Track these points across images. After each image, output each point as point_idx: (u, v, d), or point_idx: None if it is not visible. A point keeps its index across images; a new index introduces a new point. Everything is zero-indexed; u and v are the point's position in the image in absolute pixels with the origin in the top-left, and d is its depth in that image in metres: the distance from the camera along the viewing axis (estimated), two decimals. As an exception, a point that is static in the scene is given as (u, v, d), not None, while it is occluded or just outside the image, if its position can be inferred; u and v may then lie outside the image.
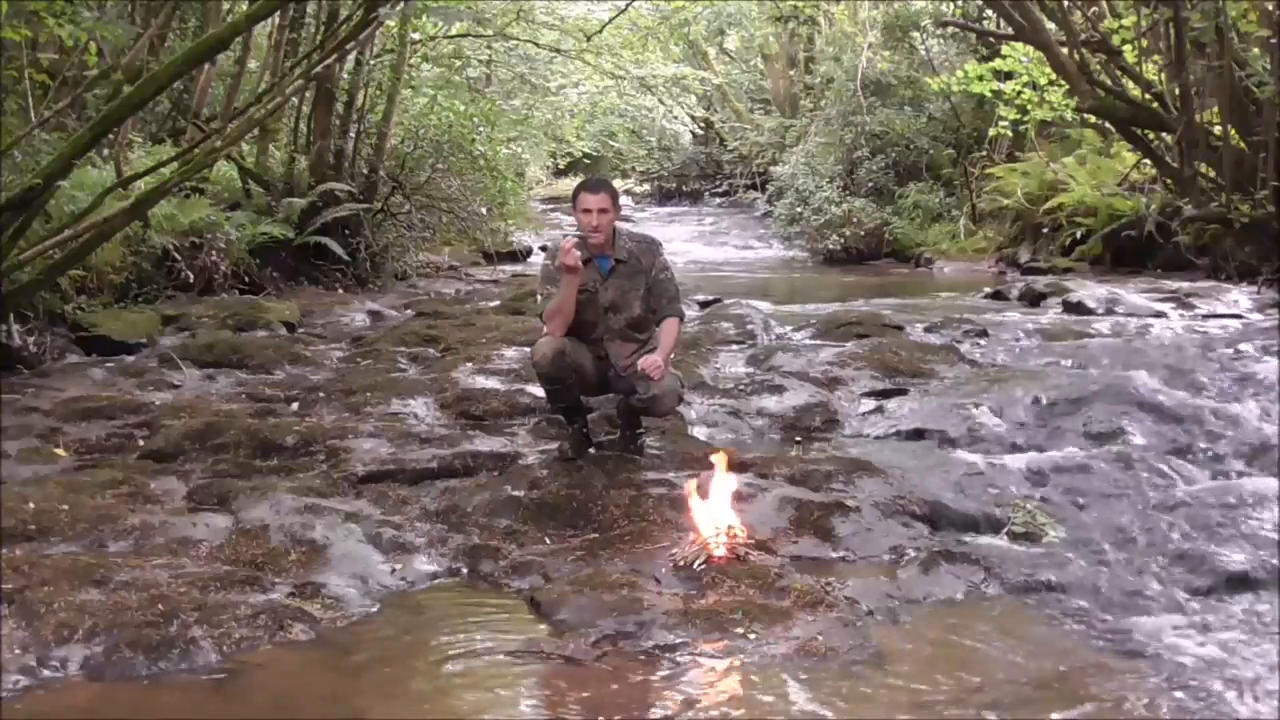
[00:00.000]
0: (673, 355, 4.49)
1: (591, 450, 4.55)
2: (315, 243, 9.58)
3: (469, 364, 6.26)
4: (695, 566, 3.52)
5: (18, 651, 2.89)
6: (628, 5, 15.47)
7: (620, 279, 4.40)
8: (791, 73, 21.59)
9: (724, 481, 3.82)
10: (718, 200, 25.51)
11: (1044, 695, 2.84)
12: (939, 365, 6.05)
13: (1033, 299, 9.10)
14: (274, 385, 6.01)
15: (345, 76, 10.37)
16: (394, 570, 3.63)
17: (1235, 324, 7.54)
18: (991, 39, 12.94)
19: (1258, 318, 7.78)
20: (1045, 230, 12.67)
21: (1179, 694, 2.84)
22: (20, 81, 6.01)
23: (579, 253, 4.16)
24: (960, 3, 14.27)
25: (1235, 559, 3.62)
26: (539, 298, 4.47)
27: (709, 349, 6.71)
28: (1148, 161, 10.40)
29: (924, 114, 16.41)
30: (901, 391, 5.59)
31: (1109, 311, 8.19)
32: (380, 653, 3.10)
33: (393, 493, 4.25)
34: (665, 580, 3.48)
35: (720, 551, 3.59)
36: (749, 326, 7.41)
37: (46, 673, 2.85)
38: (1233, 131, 8.69)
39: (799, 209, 16.09)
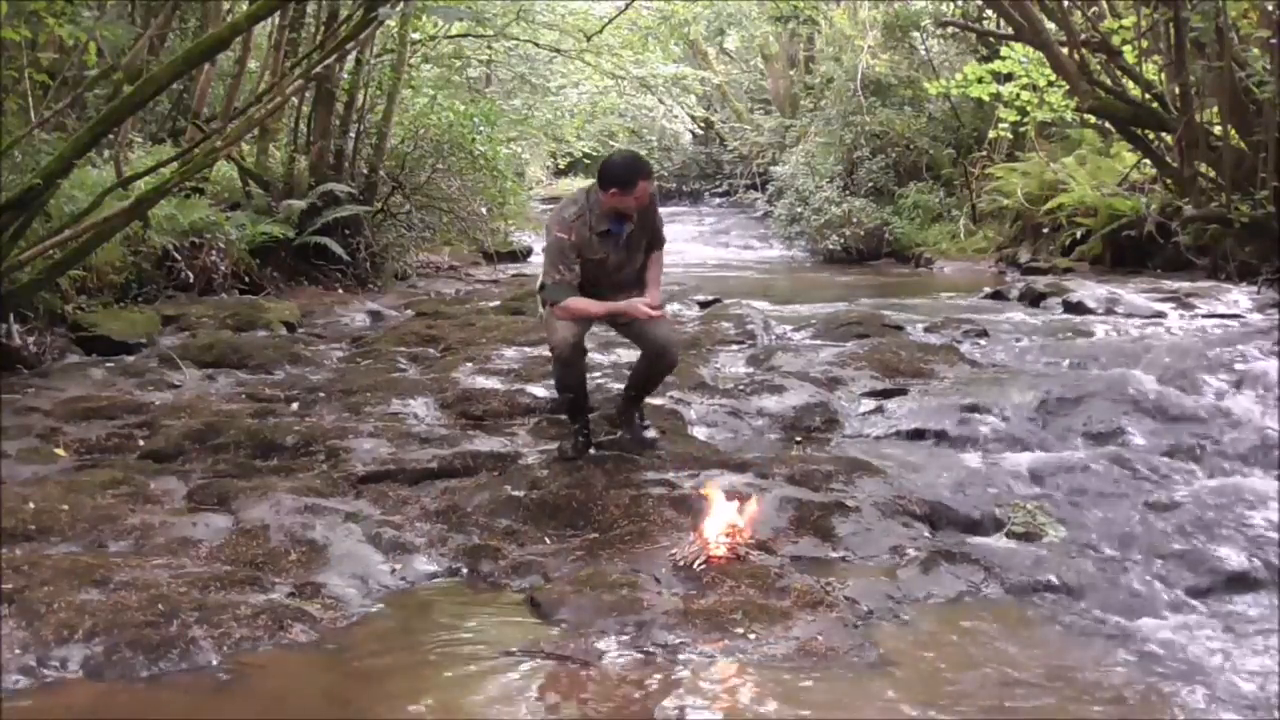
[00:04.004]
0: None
1: (591, 450, 4.56)
2: (315, 243, 9.57)
3: (469, 364, 6.26)
4: (695, 566, 3.52)
5: (18, 651, 2.90)
6: (628, 5, 15.46)
7: (630, 246, 4.42)
8: (791, 73, 21.58)
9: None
10: (718, 200, 25.51)
11: (1044, 695, 2.84)
12: (939, 365, 6.05)
13: (1033, 299, 9.09)
14: (274, 385, 6.01)
15: (345, 76, 10.37)
16: (394, 570, 3.63)
17: (1235, 324, 7.53)
18: (991, 39, 12.93)
19: (1258, 318, 7.77)
20: (1045, 230, 12.67)
21: (1179, 694, 2.84)
22: (20, 81, 6.00)
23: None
24: (960, 3, 14.26)
25: (1235, 559, 3.62)
26: (550, 279, 4.33)
27: (709, 349, 6.71)
28: (1148, 161, 10.39)
29: (924, 114, 16.40)
30: (901, 391, 5.59)
31: (1109, 311, 8.18)
32: (380, 653, 3.10)
33: (393, 493, 4.25)
34: (665, 580, 3.48)
35: (720, 551, 3.59)
36: (749, 326, 7.41)
37: (46, 673, 2.85)
38: (1233, 131, 8.68)
39: (799, 209, 16.09)
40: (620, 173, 4.26)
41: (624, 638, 3.11)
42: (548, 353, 6.32)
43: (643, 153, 26.97)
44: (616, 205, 4.26)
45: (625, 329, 4.61)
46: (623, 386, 4.88)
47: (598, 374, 5.77)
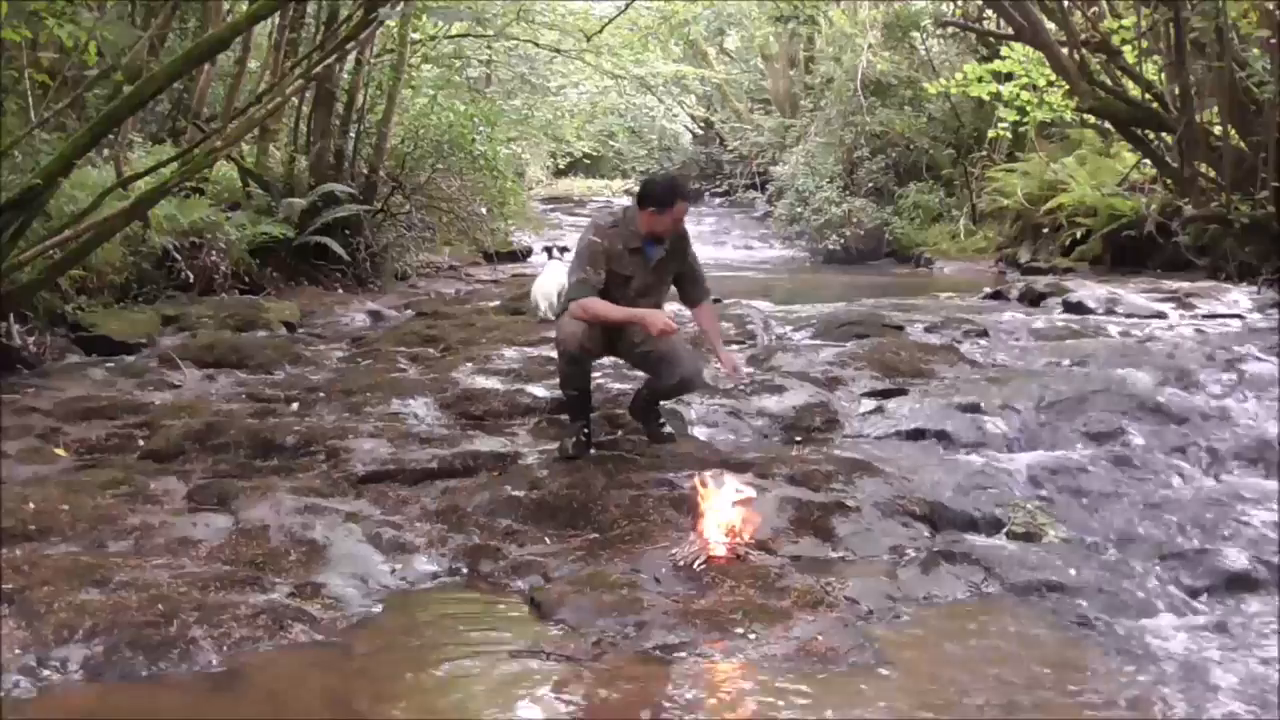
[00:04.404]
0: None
1: (591, 450, 4.56)
2: (315, 243, 9.57)
3: (469, 364, 6.27)
4: (695, 566, 3.52)
5: (18, 651, 2.89)
6: (628, 5, 15.47)
7: (657, 273, 4.51)
8: (791, 73, 21.59)
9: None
10: (718, 200, 25.51)
11: (1044, 695, 2.84)
12: (939, 365, 6.05)
13: (1033, 299, 9.10)
14: (274, 385, 6.01)
15: (345, 76, 10.37)
16: (394, 570, 3.63)
17: (1235, 324, 7.54)
18: (991, 39, 12.94)
19: (1258, 318, 7.78)
20: (1045, 230, 12.69)
21: (1179, 694, 2.84)
22: (20, 81, 6.01)
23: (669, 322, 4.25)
24: (960, 3, 14.27)
25: (1235, 559, 3.62)
26: (575, 277, 4.39)
27: (709, 349, 6.70)
28: (1148, 161, 10.40)
29: (924, 114, 16.42)
30: (901, 391, 5.58)
31: (1109, 311, 8.19)
32: (380, 653, 3.10)
33: (393, 493, 4.25)
34: (665, 580, 3.48)
35: (720, 551, 3.59)
36: (749, 326, 7.41)
37: (46, 673, 2.85)
38: (1233, 131, 8.69)
39: (799, 209, 16.12)
40: (659, 192, 4.36)
41: (624, 638, 3.11)
42: (548, 352, 6.33)
43: (642, 153, 26.90)
44: (652, 225, 4.36)
45: (643, 359, 4.58)
46: (623, 386, 4.89)
47: (598, 374, 5.75)
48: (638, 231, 4.39)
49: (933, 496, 4.15)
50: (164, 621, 3.03)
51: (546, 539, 3.89)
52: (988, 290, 10.08)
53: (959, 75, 13.38)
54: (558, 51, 16.29)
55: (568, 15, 16.23)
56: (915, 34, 16.51)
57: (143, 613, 3.06)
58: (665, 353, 4.46)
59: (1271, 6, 8.49)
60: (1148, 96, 9.42)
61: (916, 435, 5.04)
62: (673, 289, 4.72)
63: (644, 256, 4.43)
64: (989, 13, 11.79)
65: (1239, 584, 3.53)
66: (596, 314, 4.30)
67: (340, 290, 9.74)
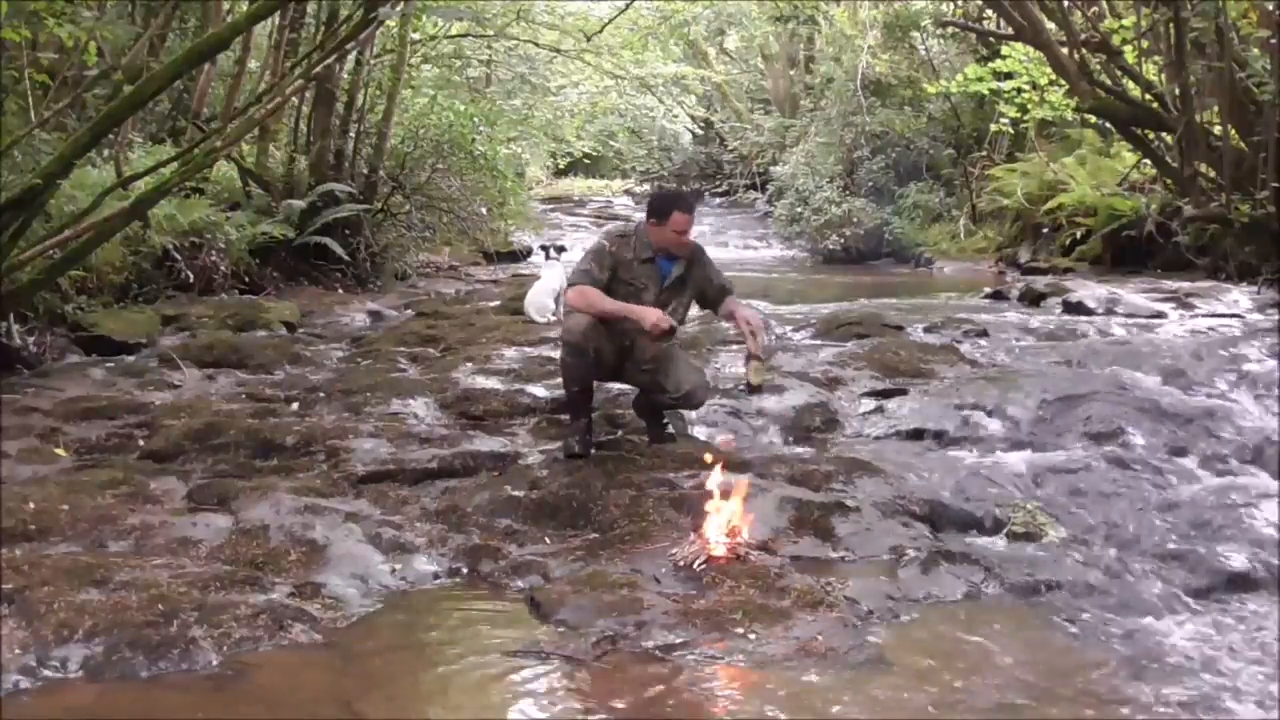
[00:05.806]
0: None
1: (592, 451, 4.56)
2: (315, 243, 9.57)
3: (469, 364, 6.27)
4: (695, 566, 3.52)
5: (18, 651, 2.89)
6: (628, 5, 15.48)
7: (674, 291, 4.54)
8: (791, 73, 21.60)
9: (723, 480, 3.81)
10: (718, 200, 25.50)
11: (1044, 695, 2.84)
12: (939, 365, 6.05)
13: (1033, 299, 9.10)
14: (274, 385, 6.01)
15: (345, 76, 10.37)
16: (394, 570, 3.63)
17: (1235, 324, 7.53)
18: (991, 39, 12.94)
19: (1258, 318, 7.78)
20: (1045, 230, 12.68)
21: (1179, 694, 2.84)
22: (20, 81, 6.00)
23: (665, 323, 4.25)
24: (960, 3, 14.26)
25: (1235, 559, 3.62)
26: (577, 270, 4.50)
27: (709, 349, 6.71)
28: (1148, 161, 10.39)
29: (924, 114, 16.41)
30: (901, 391, 5.59)
31: (1109, 311, 8.18)
32: (380, 653, 3.10)
33: (393, 493, 4.25)
34: (665, 580, 3.48)
35: (720, 551, 3.59)
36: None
37: (46, 673, 2.85)
38: (1233, 131, 8.68)
39: (799, 209, 16.09)
40: (656, 203, 4.49)
41: (624, 638, 3.11)
42: (548, 352, 6.33)
43: (642, 153, 26.84)
44: (657, 237, 4.43)
45: (649, 378, 4.58)
46: (623, 385, 4.89)
47: (598, 374, 5.76)
48: (647, 243, 4.47)
49: (933, 496, 4.16)
50: (164, 621, 3.03)
51: (546, 539, 3.89)
52: (988, 290, 10.08)
53: (960, 76, 13.38)
54: (558, 51, 16.30)
55: (568, 15, 16.23)
56: (915, 34, 16.50)
57: (143, 613, 3.06)
58: (669, 367, 4.47)
59: (1271, 6, 8.49)
60: (1148, 96, 9.41)
61: (916, 435, 5.04)
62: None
63: (657, 269, 4.48)
64: (989, 13, 11.78)
65: (1239, 584, 3.53)
66: (590, 302, 4.34)
67: (340, 290, 9.73)
